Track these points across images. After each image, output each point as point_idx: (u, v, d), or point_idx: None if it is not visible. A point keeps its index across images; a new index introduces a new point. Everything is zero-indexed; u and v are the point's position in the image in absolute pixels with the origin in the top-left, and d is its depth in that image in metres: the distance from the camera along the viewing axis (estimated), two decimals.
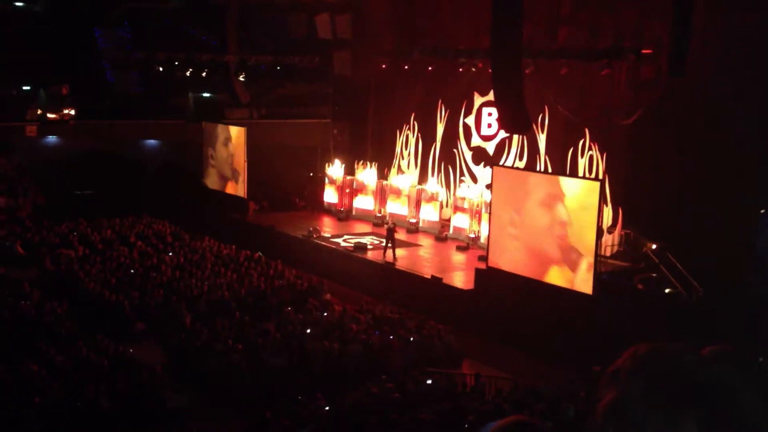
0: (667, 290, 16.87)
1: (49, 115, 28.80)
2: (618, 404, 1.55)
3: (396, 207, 25.44)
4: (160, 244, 22.35)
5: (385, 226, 22.18)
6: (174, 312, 16.91)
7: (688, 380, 1.50)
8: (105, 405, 12.42)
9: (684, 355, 1.56)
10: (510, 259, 18.23)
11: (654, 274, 17.47)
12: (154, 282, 18.59)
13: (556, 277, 17.24)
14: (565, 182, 17.55)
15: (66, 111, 29.01)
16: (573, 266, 16.91)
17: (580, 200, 16.96)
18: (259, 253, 21.84)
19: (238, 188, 27.09)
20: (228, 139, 27.68)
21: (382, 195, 25.92)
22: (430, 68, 25.71)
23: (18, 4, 30.17)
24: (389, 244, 21.18)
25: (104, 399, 12.52)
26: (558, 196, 17.32)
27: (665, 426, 1.48)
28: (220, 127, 28.20)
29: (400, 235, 22.68)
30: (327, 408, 12.59)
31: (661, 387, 1.50)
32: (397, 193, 25.55)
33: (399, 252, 21.36)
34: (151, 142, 30.15)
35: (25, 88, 29.62)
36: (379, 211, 25.76)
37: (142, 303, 17.41)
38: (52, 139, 28.46)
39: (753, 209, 16.93)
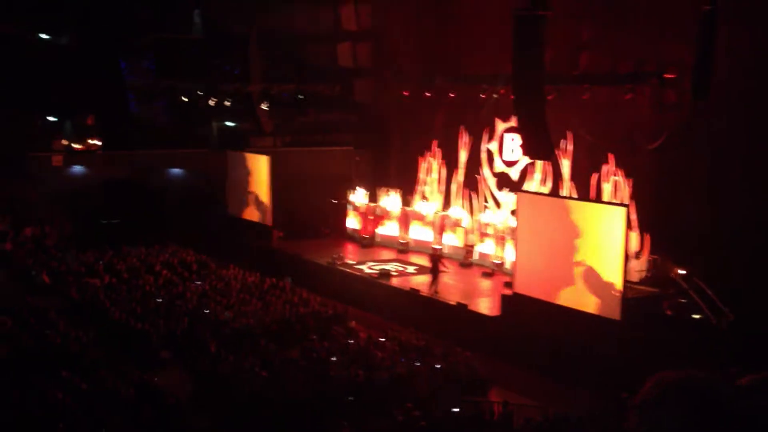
0: (695, 316, 16.63)
1: (75, 146, 29.14)
2: None
3: (420, 233, 25.39)
4: (185, 272, 22.41)
5: (431, 255, 22.18)
6: (199, 339, 16.90)
7: (723, 410, 1.45)
8: None
9: (718, 384, 1.50)
10: (532, 282, 18.10)
11: (683, 300, 17.25)
12: (180, 310, 18.62)
13: (570, 296, 17.11)
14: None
15: (91, 141, 29.33)
16: (595, 290, 16.75)
17: (594, 220, 16.94)
18: (289, 278, 21.81)
19: (262, 216, 27.20)
20: (247, 165, 27.85)
21: (405, 221, 25.88)
22: (451, 95, 25.78)
23: (44, 36, 30.65)
24: (435, 274, 21.10)
25: (129, 426, 12.48)
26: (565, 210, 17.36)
27: None
28: (242, 155, 28.40)
29: (426, 262, 22.59)
30: None
31: (692, 417, 1.45)
32: (421, 219, 25.49)
33: (424, 279, 21.39)
34: (176, 171, 30.39)
35: (50, 119, 29.98)
36: (403, 238, 25.71)
37: (168, 331, 17.43)
38: (77, 168, 28.76)
39: None
